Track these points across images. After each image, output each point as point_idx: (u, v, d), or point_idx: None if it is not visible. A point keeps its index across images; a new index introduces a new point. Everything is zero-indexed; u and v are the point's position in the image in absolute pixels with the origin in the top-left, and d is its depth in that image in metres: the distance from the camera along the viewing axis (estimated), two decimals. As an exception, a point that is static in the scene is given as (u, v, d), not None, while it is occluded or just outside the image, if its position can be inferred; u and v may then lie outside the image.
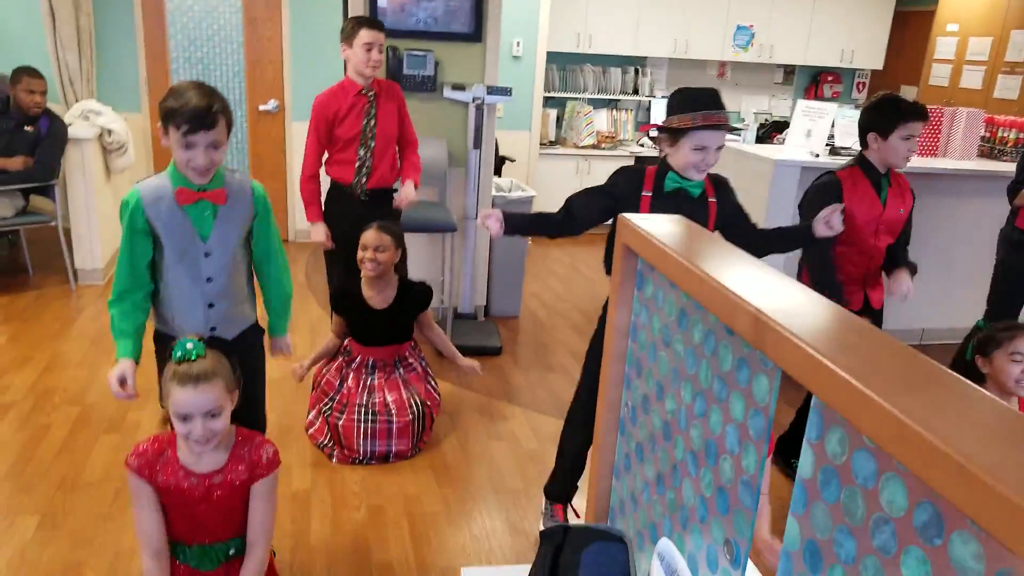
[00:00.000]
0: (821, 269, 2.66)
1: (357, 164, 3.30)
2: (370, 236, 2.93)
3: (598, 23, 6.43)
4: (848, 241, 2.67)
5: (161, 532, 1.67)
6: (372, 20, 3.25)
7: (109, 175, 4.83)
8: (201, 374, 1.57)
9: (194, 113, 1.77)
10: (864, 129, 2.63)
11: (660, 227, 1.20)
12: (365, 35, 3.18)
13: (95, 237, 4.58)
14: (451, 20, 4.17)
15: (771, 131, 6.45)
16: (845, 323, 0.83)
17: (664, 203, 2.19)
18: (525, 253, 4.65)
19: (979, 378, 2.30)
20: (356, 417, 2.92)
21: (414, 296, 3.08)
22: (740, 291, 0.90)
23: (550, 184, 6.37)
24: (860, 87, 7.55)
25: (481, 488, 2.84)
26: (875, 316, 2.82)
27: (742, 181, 4.21)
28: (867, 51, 7.14)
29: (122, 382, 1.91)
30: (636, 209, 2.21)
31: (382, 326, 3.01)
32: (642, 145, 6.78)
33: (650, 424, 1.20)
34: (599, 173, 6.47)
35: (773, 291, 0.92)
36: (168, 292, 2.00)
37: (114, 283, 1.97)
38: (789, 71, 7.31)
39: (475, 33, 4.21)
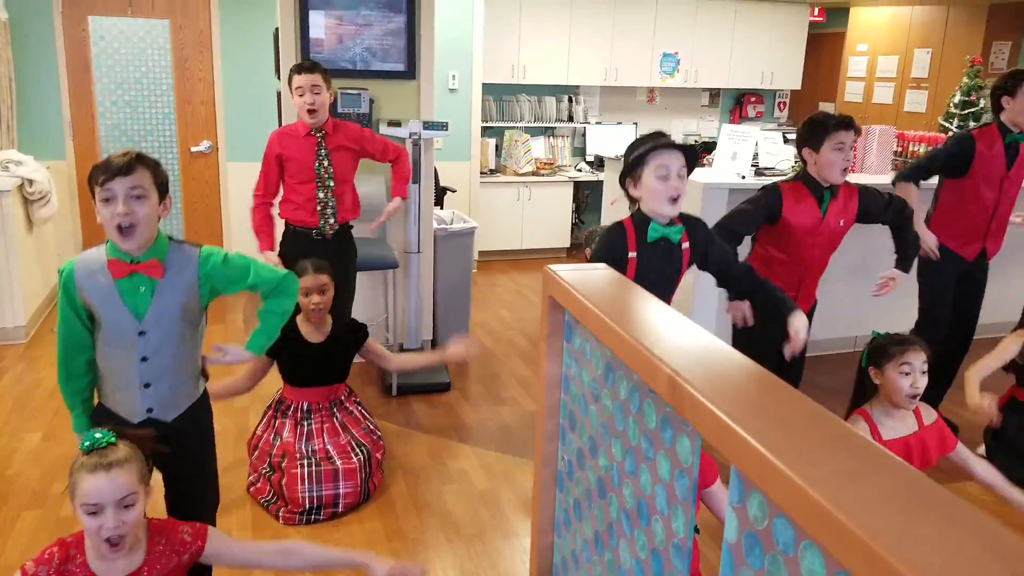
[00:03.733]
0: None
1: (319, 207, 3.30)
2: (310, 281, 2.87)
3: (531, 55, 6.53)
4: (785, 249, 2.78)
5: None
6: (302, 65, 3.25)
7: (31, 226, 4.66)
8: (114, 460, 1.48)
9: (109, 161, 1.72)
10: (799, 147, 2.75)
11: (585, 279, 1.21)
12: (295, 81, 3.20)
13: (16, 293, 4.39)
14: (384, 58, 4.18)
15: (701, 151, 6.63)
16: (761, 383, 0.85)
17: (649, 256, 2.24)
18: (470, 283, 4.65)
19: (874, 388, 2.38)
20: (298, 464, 2.85)
21: (348, 333, 3.05)
22: (658, 350, 0.92)
23: (493, 211, 6.41)
24: (781, 106, 7.84)
25: (433, 538, 2.80)
26: None
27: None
28: (785, 72, 7.42)
29: None
30: (625, 268, 2.24)
31: (318, 363, 2.97)
32: (580, 170, 6.88)
33: (586, 480, 1.20)
34: (539, 199, 6.54)
35: (692, 350, 0.93)
36: (104, 369, 1.91)
37: (57, 354, 1.90)
38: (714, 94, 7.54)
39: (409, 70, 4.23)
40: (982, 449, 3.43)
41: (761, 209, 2.77)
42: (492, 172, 6.56)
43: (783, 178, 2.84)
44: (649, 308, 1.10)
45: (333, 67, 4.05)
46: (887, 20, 7.80)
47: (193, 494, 2.04)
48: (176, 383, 1.93)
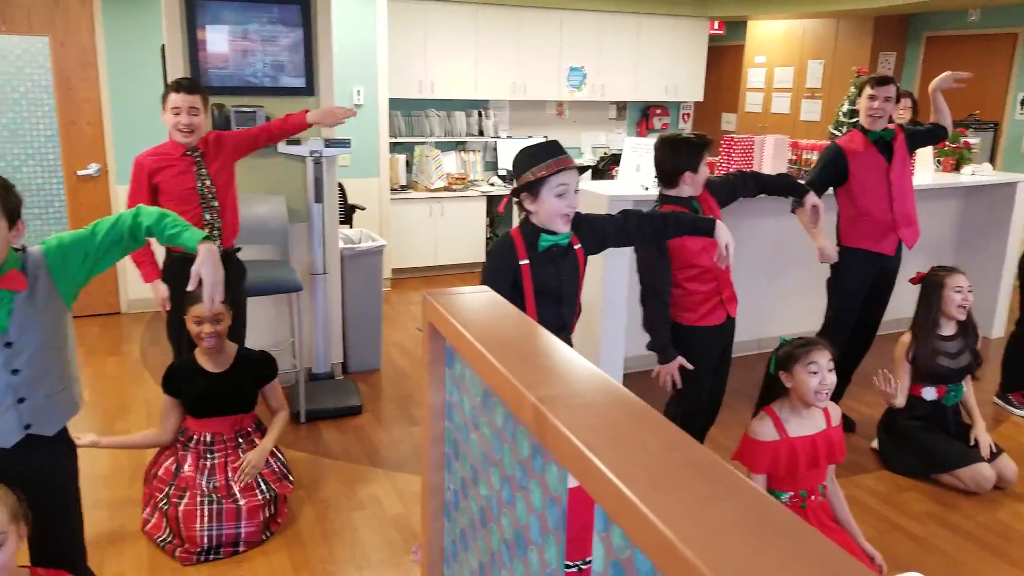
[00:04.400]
0: (654, 314, 2.83)
1: (207, 229, 3.16)
2: (203, 308, 2.77)
3: (438, 70, 6.51)
4: (689, 266, 2.86)
5: None
6: (181, 83, 3.11)
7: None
8: None
9: None
10: (678, 171, 2.79)
11: (462, 305, 1.18)
12: (172, 99, 3.06)
13: None
14: (282, 74, 4.07)
15: (610, 163, 6.75)
16: (627, 409, 0.83)
17: (542, 264, 2.30)
18: (381, 302, 4.56)
19: (784, 391, 2.48)
20: (198, 500, 2.71)
21: (255, 363, 2.96)
22: (526, 378, 0.89)
23: (405, 228, 6.33)
24: (685, 118, 8.07)
25: (343, 568, 2.70)
26: (733, 326, 3.00)
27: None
28: (688, 85, 7.65)
29: None
30: (520, 277, 2.29)
31: (221, 392, 2.85)
32: (492, 184, 6.89)
33: (470, 510, 1.16)
34: (453, 214, 6.50)
35: (561, 378, 0.91)
36: None
37: None
38: (621, 107, 7.70)
39: (308, 86, 4.13)
40: (875, 443, 3.58)
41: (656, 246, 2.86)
42: (403, 188, 6.49)
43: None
44: (525, 334, 1.07)
45: (227, 84, 3.91)
46: (782, 33, 8.16)
47: (58, 542, 1.92)
48: (53, 391, 1.83)
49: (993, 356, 4.45)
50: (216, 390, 2.84)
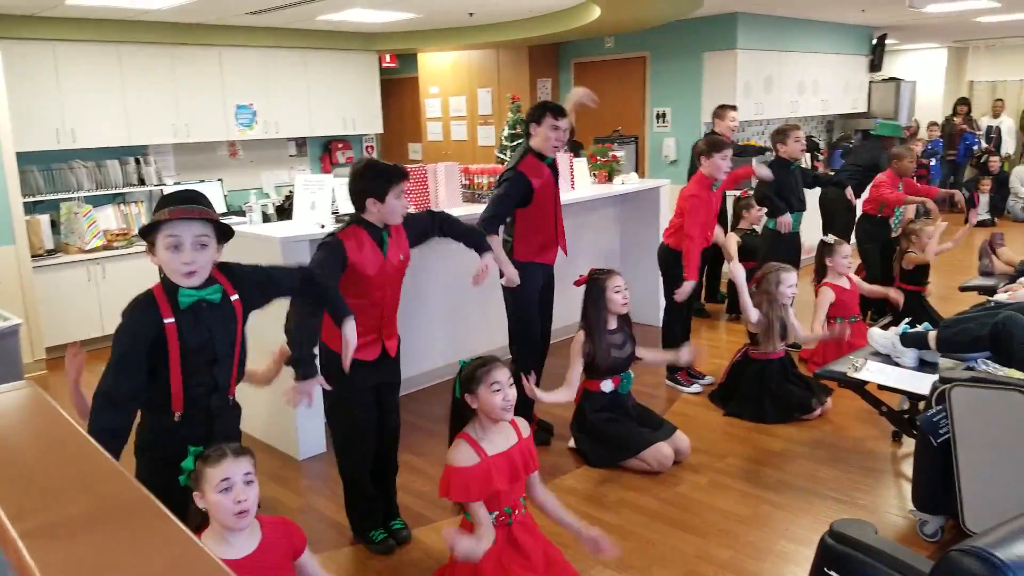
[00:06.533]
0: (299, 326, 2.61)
1: None
2: None
3: (78, 116, 5.72)
4: (361, 294, 2.75)
5: None
6: None
7: None
8: None
9: None
10: (361, 196, 2.74)
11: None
12: None
13: None
14: None
15: (295, 203, 6.48)
16: (137, 526, 0.66)
17: (191, 320, 2.03)
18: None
19: (472, 413, 2.48)
20: None
21: None
22: (18, 503, 0.68)
23: (60, 299, 5.42)
24: (369, 150, 8.08)
25: None
26: (393, 364, 2.94)
27: (257, 261, 4.04)
28: (366, 117, 7.65)
29: None
30: (165, 338, 1.99)
31: None
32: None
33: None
34: (117, 275, 5.72)
35: (72, 496, 0.71)
36: None
37: None
38: (301, 143, 7.47)
39: None
40: (572, 442, 3.79)
41: (329, 261, 2.71)
42: (51, 253, 5.58)
43: (338, 227, 2.82)
44: (53, 444, 0.84)
45: None
46: (451, 64, 8.55)
47: None
48: None
49: (659, 343, 5.00)
50: None
